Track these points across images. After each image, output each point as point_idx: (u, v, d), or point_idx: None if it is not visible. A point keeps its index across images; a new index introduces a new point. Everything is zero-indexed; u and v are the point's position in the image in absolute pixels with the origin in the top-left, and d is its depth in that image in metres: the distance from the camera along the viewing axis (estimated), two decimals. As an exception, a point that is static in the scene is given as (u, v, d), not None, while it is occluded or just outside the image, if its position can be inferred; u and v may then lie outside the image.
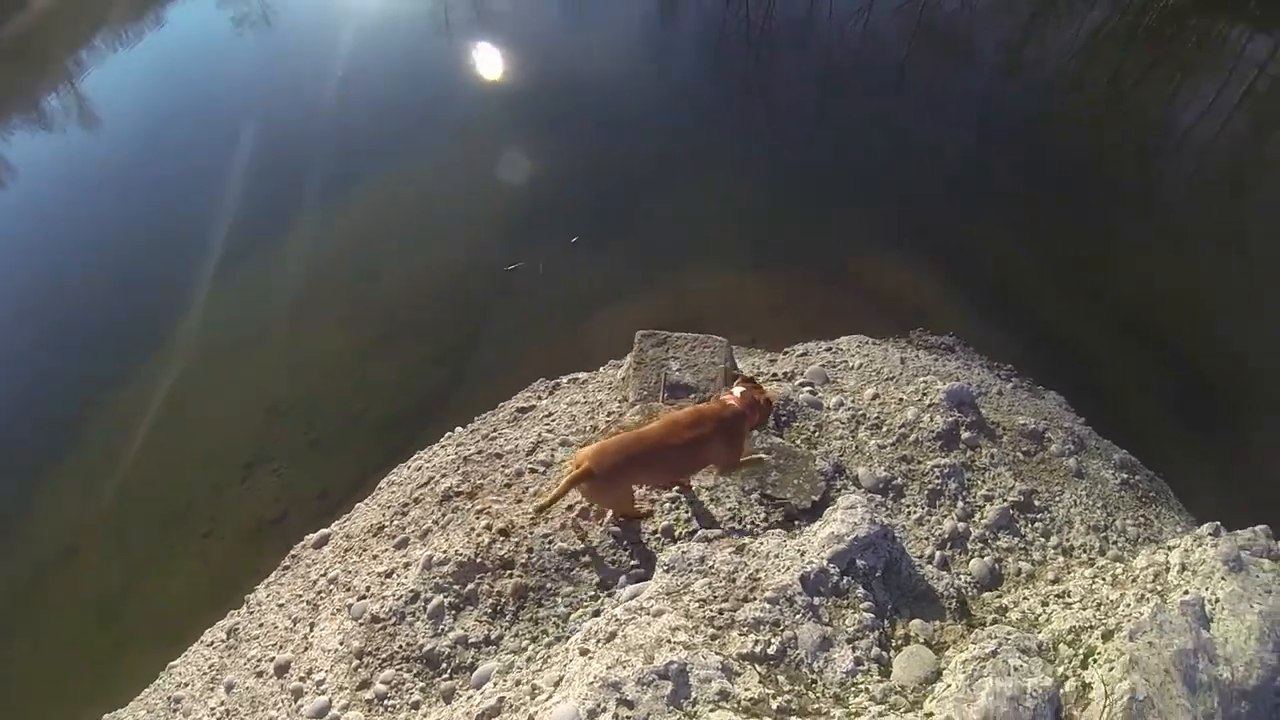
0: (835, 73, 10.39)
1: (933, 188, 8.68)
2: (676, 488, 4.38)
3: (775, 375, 6.17)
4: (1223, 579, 4.10)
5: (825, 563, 3.44)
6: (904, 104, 9.88)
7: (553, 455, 5.05)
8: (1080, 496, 5.25)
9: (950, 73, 10.50)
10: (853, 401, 5.65)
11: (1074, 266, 7.98)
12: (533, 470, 4.97)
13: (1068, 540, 4.93)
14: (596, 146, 8.81)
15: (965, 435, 5.30)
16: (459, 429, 5.97)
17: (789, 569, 3.43)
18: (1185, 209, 8.70)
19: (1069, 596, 4.32)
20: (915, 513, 4.84)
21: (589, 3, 12.00)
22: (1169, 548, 4.64)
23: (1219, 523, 4.55)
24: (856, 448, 5.23)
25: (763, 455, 4.59)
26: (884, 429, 5.37)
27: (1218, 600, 4.00)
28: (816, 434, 5.33)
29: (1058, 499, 5.17)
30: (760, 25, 11.26)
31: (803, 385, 5.88)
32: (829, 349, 6.69)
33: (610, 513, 4.17)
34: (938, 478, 5.00)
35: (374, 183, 8.80)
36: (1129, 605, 3.93)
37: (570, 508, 4.39)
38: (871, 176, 8.77)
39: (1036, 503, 5.06)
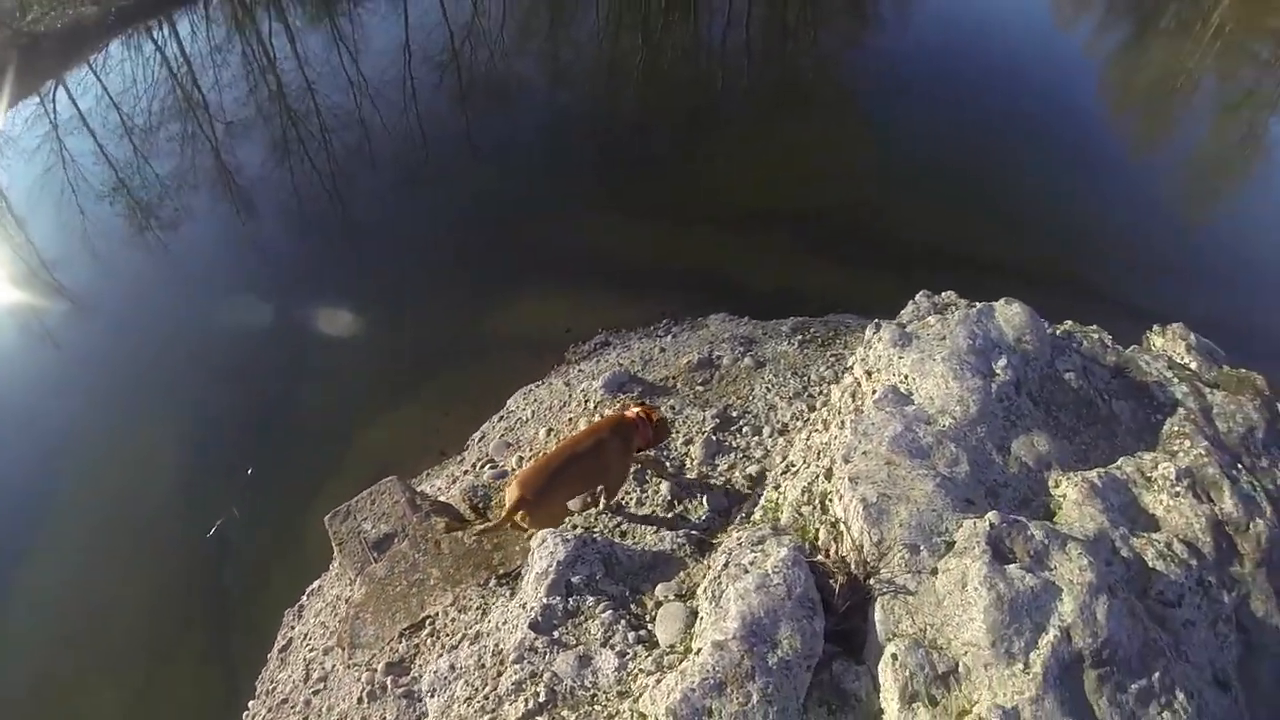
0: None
1: (498, 211, 8.70)
2: (603, 499, 4.24)
3: (468, 471, 5.47)
4: (900, 358, 4.11)
5: (544, 600, 3.50)
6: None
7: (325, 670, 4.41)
8: (770, 381, 5.06)
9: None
10: (530, 450, 5.01)
11: (672, 199, 8.47)
12: (317, 693, 4.29)
13: (779, 421, 4.68)
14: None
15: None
16: (252, 703, 4.97)
17: (519, 624, 3.47)
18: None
19: (794, 466, 3.99)
20: (630, 499, 4.37)
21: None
22: (848, 368, 4.54)
23: (876, 319, 4.64)
24: None
25: (661, 460, 4.53)
26: None
27: (906, 376, 3.99)
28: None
29: (751, 397, 4.94)
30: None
31: (484, 465, 5.38)
32: (501, 417, 6.17)
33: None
34: None
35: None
36: (837, 436, 3.69)
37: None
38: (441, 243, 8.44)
39: (734, 414, 4.79)
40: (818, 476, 3.48)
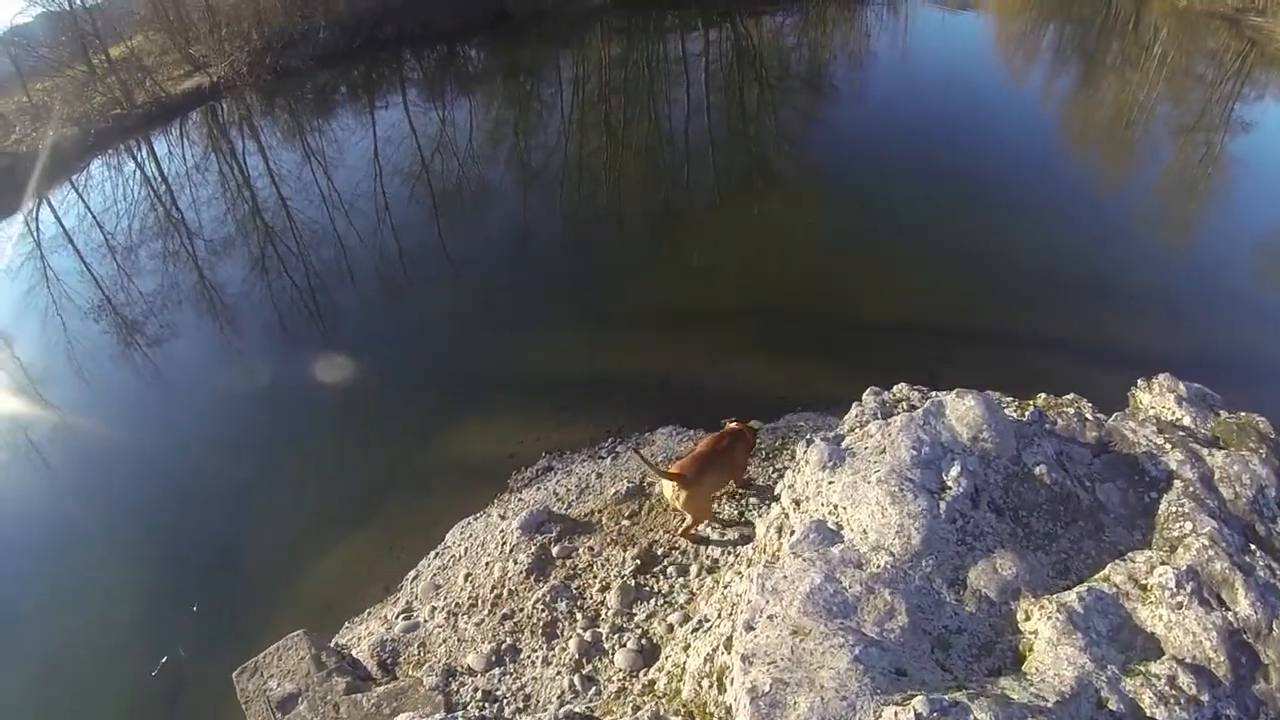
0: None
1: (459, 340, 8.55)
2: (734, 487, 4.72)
3: (385, 621, 5.10)
4: (830, 483, 3.69)
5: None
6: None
7: None
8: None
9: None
10: (446, 599, 4.76)
11: (628, 305, 8.45)
12: None
13: (708, 557, 4.39)
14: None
15: (557, 549, 4.51)
16: None
17: None
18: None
19: (706, 621, 3.66)
20: (537, 657, 4.04)
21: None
22: (775, 497, 4.18)
23: (809, 435, 4.27)
24: (459, 640, 4.41)
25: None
26: (480, 603, 4.52)
27: (836, 506, 3.57)
28: (421, 653, 4.51)
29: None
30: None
31: (400, 615, 5.02)
32: (437, 554, 5.86)
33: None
34: (543, 610, 4.25)
35: None
36: (745, 593, 3.30)
37: None
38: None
39: (659, 551, 4.52)
40: (721, 643, 3.11)
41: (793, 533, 3.64)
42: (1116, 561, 3.17)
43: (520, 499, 6.02)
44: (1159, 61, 16.14)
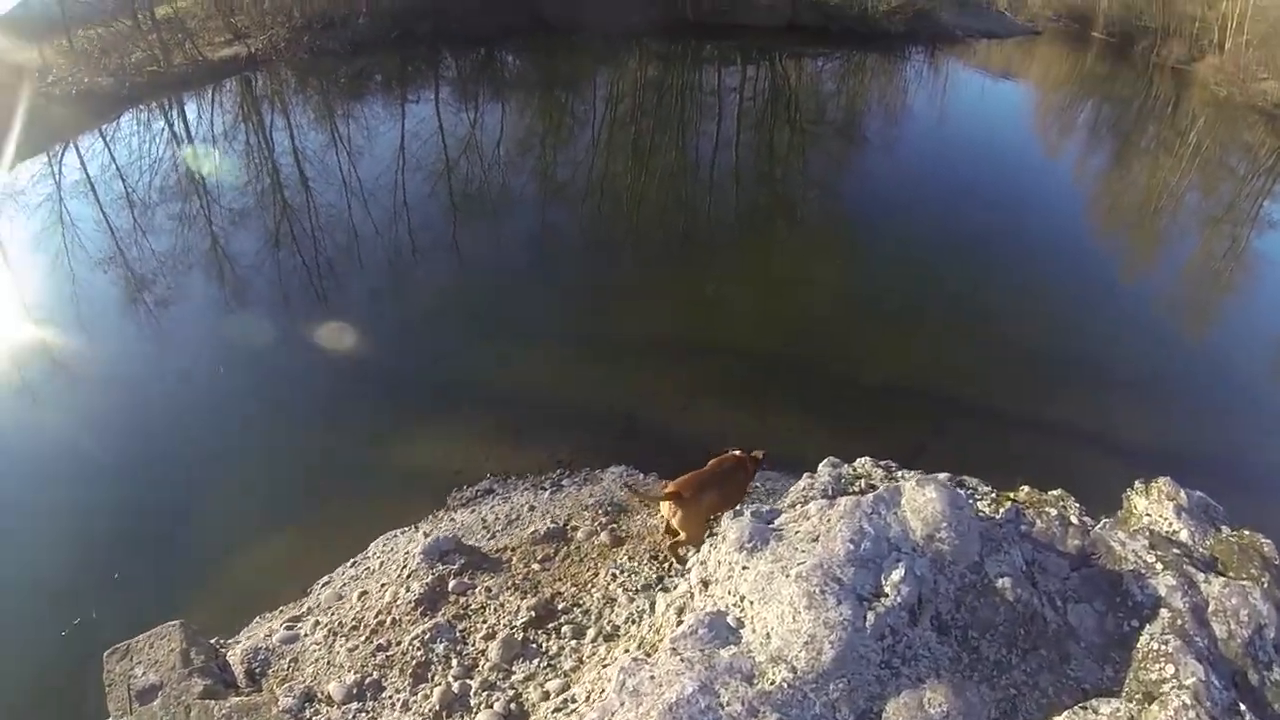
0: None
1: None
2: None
3: (270, 631, 4.74)
4: (745, 568, 3.29)
5: None
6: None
7: None
8: (622, 565, 4.40)
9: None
10: (333, 615, 4.52)
11: (616, 331, 8.15)
12: None
13: (610, 622, 4.01)
14: None
15: (454, 584, 4.28)
16: None
17: None
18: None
19: (573, 702, 3.30)
20: (399, 699, 3.69)
21: None
22: (685, 570, 3.83)
23: (729, 512, 3.86)
24: (329, 663, 4.08)
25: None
26: (361, 627, 4.26)
27: (744, 597, 3.17)
28: (291, 669, 4.18)
29: (592, 584, 4.28)
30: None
31: (286, 624, 4.69)
32: (354, 562, 5.58)
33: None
34: (419, 648, 3.93)
35: None
36: (606, 689, 2.90)
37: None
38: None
39: (560, 605, 4.20)
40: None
41: (679, 623, 3.20)
42: (1076, 711, 2.69)
43: (452, 519, 5.74)
44: (1193, 149, 15.87)
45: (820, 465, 4.63)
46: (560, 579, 4.29)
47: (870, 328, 8.94)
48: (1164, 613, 2.97)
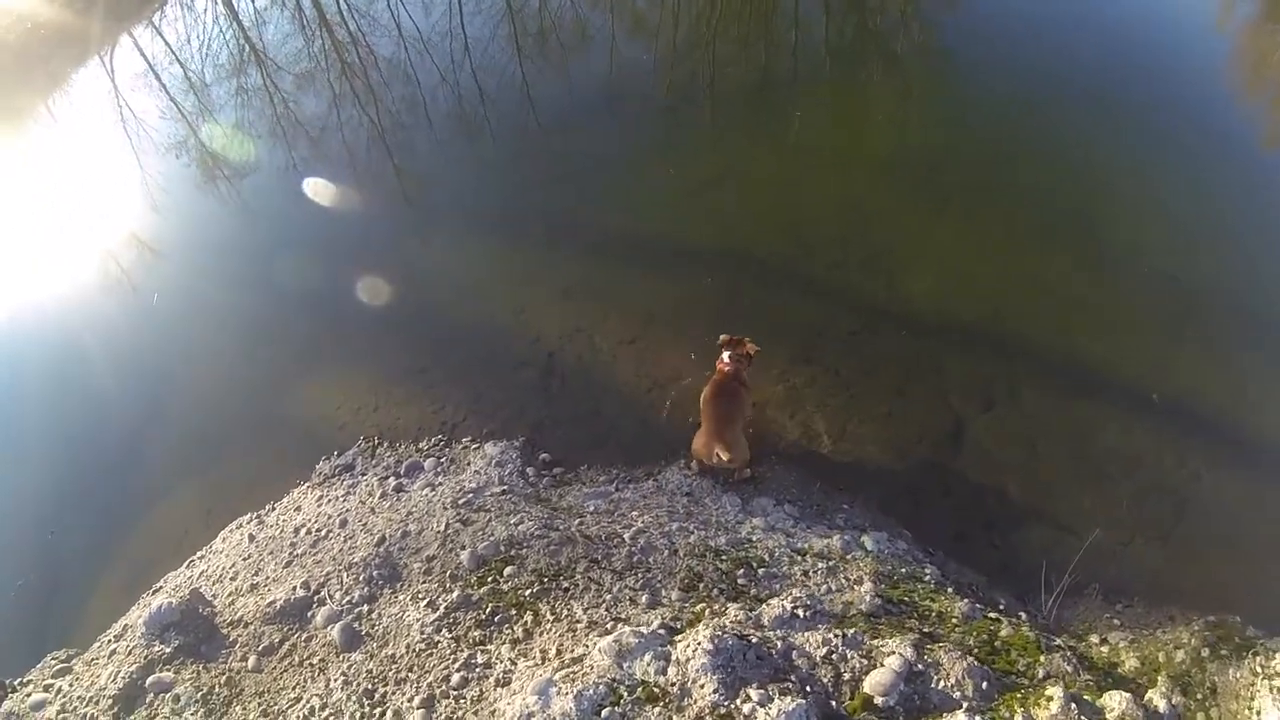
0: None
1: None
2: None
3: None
4: None
5: None
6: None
7: None
8: (348, 674, 3.19)
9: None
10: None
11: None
12: None
13: None
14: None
15: (152, 680, 3.34)
16: None
17: None
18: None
19: None
20: None
21: None
22: None
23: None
24: None
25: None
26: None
27: None
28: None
29: (304, 703, 3.11)
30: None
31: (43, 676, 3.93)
32: (203, 555, 4.91)
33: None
34: None
35: None
36: None
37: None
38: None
39: None
40: None
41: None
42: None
43: (295, 507, 4.88)
44: None
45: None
46: (264, 690, 3.07)
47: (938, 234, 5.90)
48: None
